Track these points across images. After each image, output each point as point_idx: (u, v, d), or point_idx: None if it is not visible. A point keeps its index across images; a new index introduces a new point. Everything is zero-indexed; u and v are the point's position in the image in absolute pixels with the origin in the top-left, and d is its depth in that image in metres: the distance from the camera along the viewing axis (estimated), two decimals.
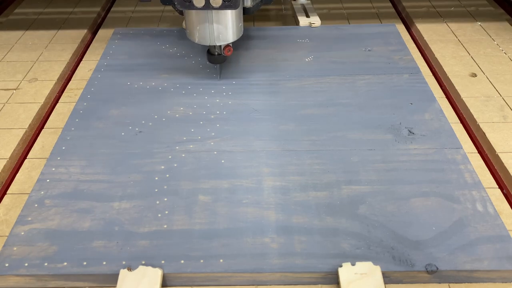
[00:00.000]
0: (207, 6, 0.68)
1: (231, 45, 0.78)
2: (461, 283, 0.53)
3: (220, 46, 0.78)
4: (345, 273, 0.51)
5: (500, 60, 0.90)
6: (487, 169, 0.67)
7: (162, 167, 0.65)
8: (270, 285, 0.53)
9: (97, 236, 0.56)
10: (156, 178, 0.64)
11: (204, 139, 0.70)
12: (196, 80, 0.83)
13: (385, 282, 0.52)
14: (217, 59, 0.80)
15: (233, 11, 0.74)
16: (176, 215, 0.58)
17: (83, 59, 0.95)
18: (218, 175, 0.64)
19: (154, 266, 0.52)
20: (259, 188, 0.62)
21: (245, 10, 0.83)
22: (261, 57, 0.90)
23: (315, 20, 1.01)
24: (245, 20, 0.86)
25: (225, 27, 0.74)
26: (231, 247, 0.54)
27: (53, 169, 0.65)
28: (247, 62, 0.88)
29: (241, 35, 0.78)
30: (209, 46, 0.79)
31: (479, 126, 0.73)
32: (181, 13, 0.83)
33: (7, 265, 0.53)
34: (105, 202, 0.60)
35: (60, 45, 0.98)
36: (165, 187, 0.62)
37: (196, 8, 0.68)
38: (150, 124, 0.73)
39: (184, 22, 1.02)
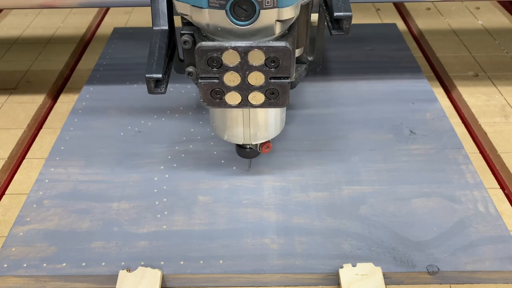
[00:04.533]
0: (244, 103, 0.48)
1: (270, 141, 0.58)
2: (463, 284, 0.52)
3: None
4: (346, 274, 0.51)
5: (501, 60, 0.89)
6: (488, 169, 0.67)
7: (162, 167, 0.65)
8: (270, 286, 0.53)
9: (96, 237, 0.55)
10: (156, 179, 0.63)
11: (204, 139, 0.70)
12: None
13: (386, 283, 0.52)
14: (248, 154, 0.60)
15: None
16: (175, 216, 0.58)
17: (82, 59, 0.95)
18: (218, 176, 0.63)
19: (153, 267, 0.52)
20: (259, 189, 0.61)
21: None
22: None
23: (316, 19, 1.01)
24: None
25: (265, 124, 0.55)
26: (231, 248, 0.54)
27: (52, 169, 0.65)
28: None
29: (283, 127, 0.59)
30: None
31: (480, 126, 0.73)
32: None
33: (5, 265, 0.52)
34: (104, 202, 0.60)
35: (58, 44, 0.98)
36: (165, 187, 0.62)
37: (229, 107, 0.48)
38: (150, 124, 0.73)
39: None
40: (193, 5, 0.42)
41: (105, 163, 0.66)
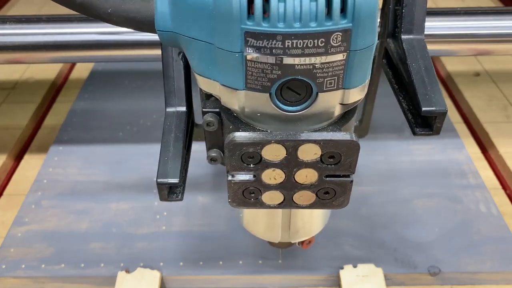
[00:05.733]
0: (288, 204, 0.35)
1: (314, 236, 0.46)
2: (464, 285, 0.52)
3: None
4: (347, 275, 0.50)
5: (503, 60, 0.89)
6: (490, 169, 0.66)
7: None
8: (270, 287, 0.52)
9: (94, 238, 0.55)
10: (154, 179, 0.63)
11: (204, 139, 0.69)
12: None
13: (387, 285, 0.51)
14: (281, 245, 0.48)
15: None
16: (174, 217, 0.58)
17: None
18: (218, 176, 0.63)
19: (152, 268, 0.52)
20: None
21: None
22: None
23: None
24: None
25: (309, 221, 0.43)
26: (230, 249, 0.54)
27: (50, 169, 0.64)
28: None
29: (327, 221, 0.45)
30: None
31: (482, 126, 0.72)
32: None
33: (4, 266, 0.52)
34: (102, 203, 0.59)
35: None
36: None
37: (267, 207, 0.36)
38: (148, 124, 0.72)
39: None
40: (224, 85, 0.30)
41: (104, 163, 0.65)
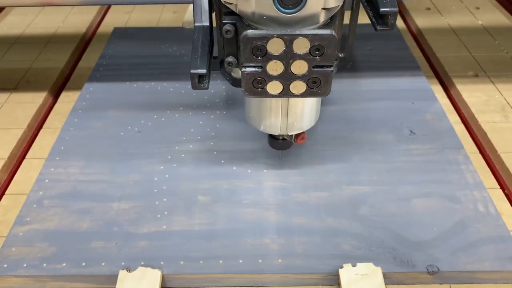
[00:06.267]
0: (285, 93, 0.48)
1: (305, 132, 0.59)
2: (463, 284, 0.52)
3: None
4: (346, 274, 0.51)
5: (501, 60, 0.89)
6: (488, 169, 0.67)
7: (162, 167, 0.65)
8: (270, 286, 0.53)
9: (96, 237, 0.55)
10: (155, 179, 0.63)
11: (204, 139, 0.70)
12: None
13: (386, 283, 0.52)
14: (282, 145, 0.61)
15: None
16: (175, 216, 0.58)
17: (82, 58, 0.94)
18: (218, 175, 0.63)
19: (153, 267, 0.52)
20: (259, 189, 0.61)
21: None
22: None
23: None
24: None
25: (301, 114, 0.55)
26: (231, 248, 0.54)
27: (52, 169, 0.65)
28: None
29: (317, 119, 0.59)
30: None
31: (480, 126, 0.73)
32: (235, 84, 0.57)
33: (5, 266, 0.52)
34: (104, 202, 0.60)
35: (58, 44, 0.98)
36: (165, 187, 0.62)
37: (270, 96, 0.48)
38: (149, 124, 0.73)
39: (183, 21, 1.01)
40: None
41: (105, 163, 0.66)
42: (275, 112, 0.55)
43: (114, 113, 0.75)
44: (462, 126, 0.75)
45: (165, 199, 0.60)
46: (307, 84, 0.47)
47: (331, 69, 0.46)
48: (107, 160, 0.66)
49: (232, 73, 0.56)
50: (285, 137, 0.59)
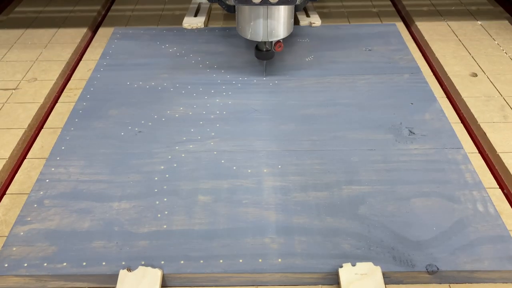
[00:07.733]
0: (264, 1, 0.70)
1: (281, 41, 0.79)
2: (462, 283, 0.53)
3: (270, 42, 0.80)
4: (346, 274, 0.51)
5: (500, 60, 0.89)
6: (487, 169, 0.67)
7: (162, 167, 0.65)
8: (270, 285, 0.53)
9: (96, 237, 0.56)
10: (156, 178, 0.63)
11: (204, 139, 0.70)
12: (196, 80, 0.83)
13: (386, 283, 0.52)
14: (265, 55, 0.81)
15: (286, 7, 0.76)
16: (175, 215, 0.58)
17: (83, 59, 0.95)
18: (218, 175, 0.64)
19: (153, 266, 0.52)
20: (259, 188, 0.62)
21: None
22: None
23: (316, 20, 1.01)
24: None
25: (278, 23, 0.76)
26: (231, 248, 0.54)
27: (53, 169, 0.65)
28: (247, 62, 0.88)
29: (291, 31, 0.80)
30: (258, 42, 0.80)
31: (479, 126, 0.73)
32: (230, 10, 0.87)
33: (6, 265, 0.53)
34: (104, 202, 0.60)
35: (59, 44, 0.98)
36: (165, 187, 0.62)
37: (253, 4, 0.69)
38: (150, 124, 0.73)
39: (184, 22, 1.02)
40: None
41: (106, 163, 0.66)
42: (258, 22, 0.75)
43: (114, 113, 0.75)
44: (461, 126, 0.75)
45: (165, 199, 0.60)
46: None
47: None
48: (108, 160, 0.66)
49: (226, 1, 0.85)
50: (267, 48, 0.80)
